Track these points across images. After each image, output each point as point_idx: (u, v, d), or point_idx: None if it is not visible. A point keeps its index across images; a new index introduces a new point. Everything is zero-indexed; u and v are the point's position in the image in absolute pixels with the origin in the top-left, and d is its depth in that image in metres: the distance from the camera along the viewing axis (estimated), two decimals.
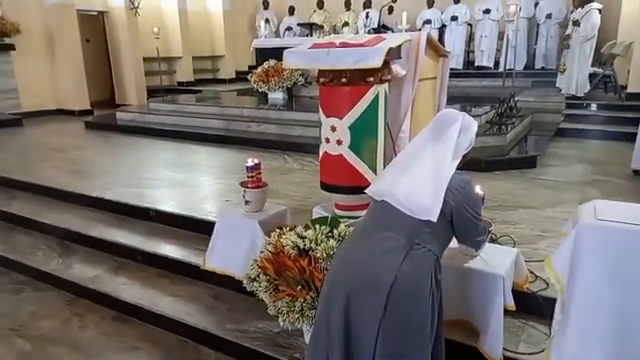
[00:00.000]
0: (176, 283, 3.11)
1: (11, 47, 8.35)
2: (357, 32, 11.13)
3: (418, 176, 1.68)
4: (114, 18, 10.30)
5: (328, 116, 2.60)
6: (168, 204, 3.86)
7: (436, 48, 2.89)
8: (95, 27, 10.45)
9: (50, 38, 9.02)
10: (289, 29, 12.55)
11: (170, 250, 3.33)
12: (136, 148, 6.14)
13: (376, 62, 2.31)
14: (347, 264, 1.69)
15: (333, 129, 2.57)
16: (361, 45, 2.41)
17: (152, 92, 10.56)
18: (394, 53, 2.45)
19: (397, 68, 2.58)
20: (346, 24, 11.91)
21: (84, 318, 2.97)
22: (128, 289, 3.08)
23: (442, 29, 10.80)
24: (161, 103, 8.22)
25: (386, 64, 2.43)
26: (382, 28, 10.89)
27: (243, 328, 2.56)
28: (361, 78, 2.45)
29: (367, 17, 10.85)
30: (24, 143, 6.85)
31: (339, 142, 2.57)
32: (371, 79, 2.45)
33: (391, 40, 2.45)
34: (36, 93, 8.86)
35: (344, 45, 2.45)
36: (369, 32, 9.78)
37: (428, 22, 10.77)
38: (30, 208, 4.29)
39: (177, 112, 7.54)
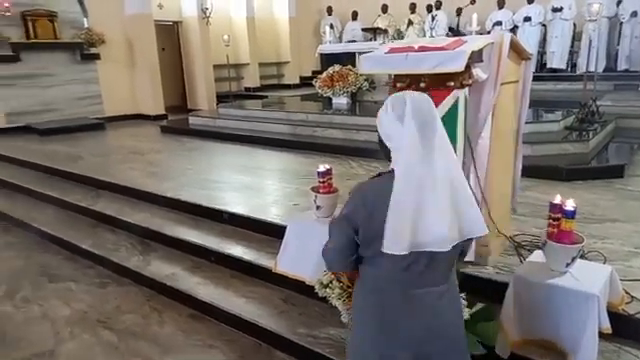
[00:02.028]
0: (248, 284, 3.18)
1: (96, 56, 9.02)
2: (424, 36, 10.92)
3: (440, 206, 1.36)
4: (187, 27, 10.82)
5: None
6: (238, 206, 3.97)
7: (519, 51, 2.75)
8: (170, 36, 11.04)
9: (130, 47, 9.63)
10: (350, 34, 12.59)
11: (242, 252, 3.41)
12: (207, 151, 6.39)
13: (458, 66, 2.23)
14: (410, 335, 1.50)
15: None
16: (441, 49, 2.34)
17: (221, 98, 10.98)
18: (476, 56, 2.36)
19: (478, 72, 2.47)
20: (410, 26, 11.73)
21: (162, 314, 3.11)
22: (203, 288, 3.19)
23: (513, 30, 10.34)
24: (230, 108, 8.51)
25: (467, 68, 2.34)
26: (450, 31, 10.63)
27: (314, 333, 2.56)
28: (441, 82, 2.38)
29: (433, 20, 10.62)
30: (106, 146, 7.34)
31: None
32: (451, 83, 2.37)
33: (473, 43, 2.36)
34: (117, 99, 9.49)
35: (423, 49, 2.39)
36: (432, 36, 9.58)
37: (499, 24, 10.35)
38: (113, 206, 4.58)
39: (245, 117, 7.78)
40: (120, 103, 9.51)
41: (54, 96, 8.65)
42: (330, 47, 8.90)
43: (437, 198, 1.35)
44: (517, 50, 2.72)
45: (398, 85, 2.54)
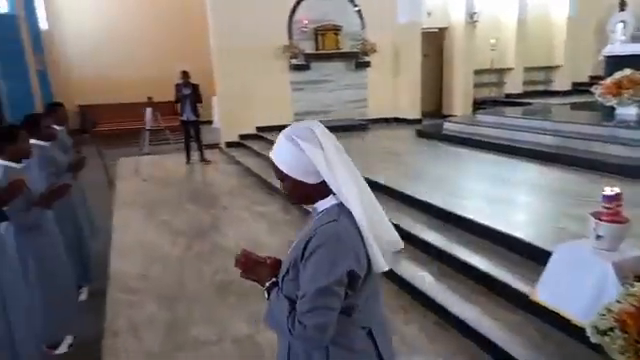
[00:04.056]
0: (497, 304, 3.01)
1: (368, 64, 9.98)
2: None
3: (385, 218, 1.43)
4: (453, 33, 10.86)
5: None
6: (490, 220, 3.77)
7: None
8: (434, 43, 11.28)
9: (397, 55, 10.26)
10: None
11: (492, 269, 3.25)
12: (460, 158, 6.30)
13: None
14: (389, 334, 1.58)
15: None
16: None
17: (477, 104, 10.67)
18: None
19: None
20: None
21: (408, 313, 3.24)
22: (450, 297, 3.17)
23: None
24: (487, 115, 8.16)
25: None
26: None
27: None
28: None
29: None
30: (367, 145, 8.04)
31: None
32: None
33: None
34: (380, 103, 10.28)
35: None
36: None
37: None
38: None
39: (502, 125, 7.33)
40: (382, 107, 10.25)
41: (332, 99, 9.98)
42: (620, 48, 7.57)
43: (381, 211, 1.40)
44: None
45: None
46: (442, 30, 11.10)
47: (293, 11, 9.40)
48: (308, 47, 9.58)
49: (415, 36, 10.01)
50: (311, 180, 1.33)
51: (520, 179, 5.18)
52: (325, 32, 9.56)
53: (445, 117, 9.50)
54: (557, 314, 2.54)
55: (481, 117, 8.23)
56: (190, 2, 12.28)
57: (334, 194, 1.35)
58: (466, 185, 4.97)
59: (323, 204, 1.38)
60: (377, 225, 1.36)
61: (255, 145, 8.94)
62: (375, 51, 9.82)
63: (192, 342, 3.08)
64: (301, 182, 1.34)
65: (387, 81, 10.33)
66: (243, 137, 9.57)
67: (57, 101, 5.18)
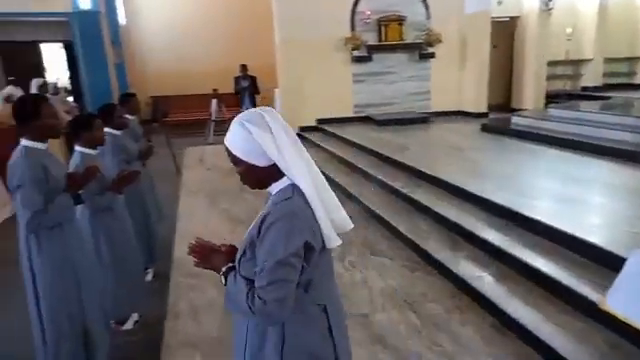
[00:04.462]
0: (560, 310, 2.84)
1: (432, 55, 9.69)
2: None
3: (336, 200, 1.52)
4: (525, 22, 10.28)
5: None
6: (558, 220, 3.55)
7: None
8: (504, 33, 10.74)
9: (463, 45, 9.89)
10: None
11: (557, 272, 3.06)
12: (529, 155, 5.98)
13: None
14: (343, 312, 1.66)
15: None
16: None
17: (550, 97, 10.05)
18: None
19: None
20: None
21: (464, 314, 3.14)
22: (509, 301, 3.04)
23: None
24: (561, 109, 7.66)
25: None
26: None
27: None
28: None
29: None
30: (429, 139, 7.84)
31: None
32: None
33: None
34: (443, 95, 9.96)
35: None
36: None
37: None
38: (429, 197, 4.86)
39: (578, 120, 6.84)
40: (445, 99, 9.94)
41: (393, 91, 9.80)
42: None
43: (331, 193, 1.48)
44: None
45: None
46: (513, 19, 10.54)
47: (356, 2, 9.32)
48: (370, 38, 9.46)
49: (484, 26, 9.57)
50: (262, 163, 1.39)
51: (593, 178, 4.83)
52: (388, 23, 9.39)
53: (514, 111, 9.04)
54: (628, 324, 2.35)
55: (554, 111, 7.74)
56: None
57: (287, 176, 1.42)
58: (534, 184, 4.71)
59: (277, 186, 1.44)
60: (327, 204, 1.45)
61: (314, 137, 9.02)
62: (440, 42, 9.52)
63: None
64: (253, 165, 1.40)
65: (452, 73, 9.98)
66: (303, 129, 9.67)
67: (130, 92, 5.50)
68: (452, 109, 9.98)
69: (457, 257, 3.75)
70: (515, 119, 7.90)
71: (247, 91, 8.61)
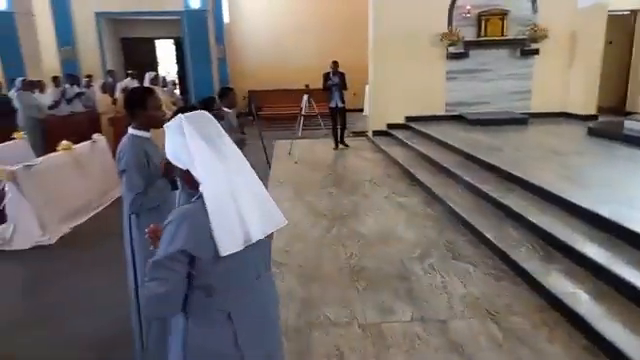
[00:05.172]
0: None
1: (535, 52, 9.04)
2: None
3: (255, 190, 1.52)
4: None
5: None
6: None
7: None
8: (622, 28, 9.71)
9: (573, 42, 9.09)
10: None
11: None
12: None
13: None
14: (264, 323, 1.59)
15: None
16: None
17: None
18: None
19: None
20: None
21: (553, 331, 2.91)
22: (606, 321, 2.76)
23: None
24: None
25: None
26: None
27: None
28: None
29: None
30: (526, 141, 7.33)
31: None
32: None
33: None
34: (546, 95, 9.26)
35: None
36: None
37: None
38: (521, 203, 4.56)
39: None
40: (548, 99, 9.23)
41: (488, 90, 9.31)
42: None
43: (248, 200, 1.44)
44: None
45: None
46: (634, 12, 9.47)
47: None
48: (469, 34, 9.06)
49: (599, 20, 8.71)
50: (180, 165, 1.44)
51: None
52: (490, 17, 8.93)
53: (628, 115, 8.14)
54: None
55: None
56: None
57: None
58: None
59: (202, 189, 1.41)
60: (243, 209, 1.42)
61: (401, 134, 8.86)
62: (546, 37, 8.84)
63: (323, 321, 3.21)
64: (176, 166, 1.46)
65: (558, 71, 9.23)
66: (391, 126, 9.56)
67: (229, 86, 5.82)
68: (555, 110, 9.25)
69: (549, 269, 3.49)
70: (629, 123, 7.10)
71: (337, 87, 8.77)
